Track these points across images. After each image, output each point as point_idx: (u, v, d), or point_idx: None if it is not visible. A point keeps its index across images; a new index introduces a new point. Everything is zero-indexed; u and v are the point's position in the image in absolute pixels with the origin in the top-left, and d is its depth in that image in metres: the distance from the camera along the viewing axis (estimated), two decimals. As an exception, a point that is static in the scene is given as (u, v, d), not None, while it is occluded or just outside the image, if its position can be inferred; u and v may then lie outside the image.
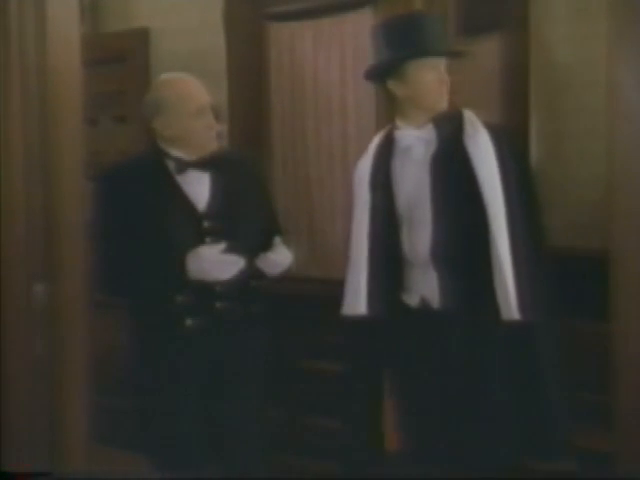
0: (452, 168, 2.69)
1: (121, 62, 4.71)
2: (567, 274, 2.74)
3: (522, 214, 2.65)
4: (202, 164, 2.90)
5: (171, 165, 2.91)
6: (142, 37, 4.67)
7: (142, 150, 3.16)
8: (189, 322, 2.86)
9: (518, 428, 2.66)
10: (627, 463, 2.62)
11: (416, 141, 2.75)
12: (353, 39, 3.95)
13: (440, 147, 2.72)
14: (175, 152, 2.91)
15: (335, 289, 2.99)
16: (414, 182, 2.75)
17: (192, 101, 2.88)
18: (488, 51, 3.77)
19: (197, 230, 2.86)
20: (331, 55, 4.05)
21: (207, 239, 2.85)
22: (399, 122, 2.81)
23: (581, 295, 2.73)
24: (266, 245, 2.95)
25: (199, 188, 2.90)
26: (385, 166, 2.82)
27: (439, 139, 2.72)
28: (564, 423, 2.68)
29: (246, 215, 2.93)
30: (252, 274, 2.91)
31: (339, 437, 3.07)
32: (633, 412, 2.62)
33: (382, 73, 2.76)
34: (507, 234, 2.60)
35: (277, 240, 2.95)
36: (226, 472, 2.91)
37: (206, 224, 2.88)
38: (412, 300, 2.78)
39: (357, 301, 2.78)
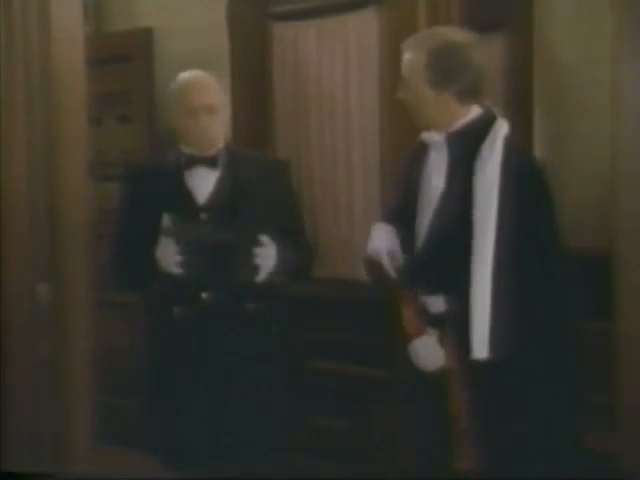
0: (456, 186, 2.61)
1: (125, 62, 4.71)
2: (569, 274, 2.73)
3: (528, 249, 2.56)
4: (213, 162, 2.94)
5: (181, 161, 2.95)
6: (146, 37, 4.67)
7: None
8: (176, 310, 2.91)
9: None
10: (629, 463, 2.62)
11: (436, 144, 2.69)
12: (357, 39, 3.95)
13: (451, 163, 2.64)
14: (185, 148, 2.96)
15: (338, 289, 2.99)
16: (433, 185, 2.69)
17: (185, 99, 2.92)
18: (492, 51, 3.76)
19: (193, 222, 2.90)
20: (335, 55, 4.04)
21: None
22: None
23: (584, 295, 2.71)
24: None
25: (203, 183, 2.95)
26: (420, 160, 2.74)
27: (450, 155, 2.64)
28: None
29: (249, 213, 2.93)
30: (244, 270, 2.89)
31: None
32: (636, 412, 2.62)
33: None
34: (492, 264, 2.47)
35: (264, 239, 2.88)
36: (223, 471, 2.91)
37: (203, 216, 2.91)
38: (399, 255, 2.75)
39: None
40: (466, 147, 2.60)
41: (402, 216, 2.74)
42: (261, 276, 2.88)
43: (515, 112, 3.74)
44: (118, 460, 3.67)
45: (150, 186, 2.96)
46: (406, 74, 2.66)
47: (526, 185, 2.55)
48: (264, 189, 2.98)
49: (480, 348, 2.49)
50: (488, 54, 3.63)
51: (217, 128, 2.95)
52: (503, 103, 3.75)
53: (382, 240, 2.72)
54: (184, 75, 3.00)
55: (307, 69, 4.13)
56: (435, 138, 2.66)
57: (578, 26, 3.63)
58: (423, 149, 2.73)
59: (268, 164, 3.14)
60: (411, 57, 2.63)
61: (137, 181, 3.03)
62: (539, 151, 3.71)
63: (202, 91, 2.93)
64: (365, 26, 3.89)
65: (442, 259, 2.61)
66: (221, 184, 2.95)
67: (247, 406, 2.93)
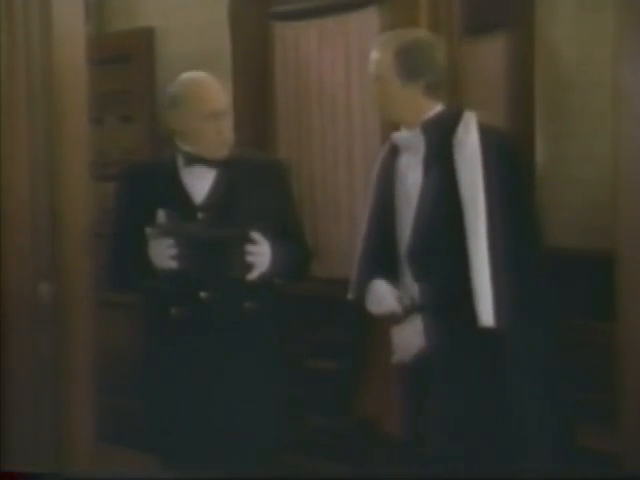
0: (437, 170, 2.68)
1: (126, 61, 4.71)
2: (571, 274, 2.73)
3: (512, 218, 2.62)
4: (211, 162, 2.93)
5: (179, 159, 2.94)
6: (147, 36, 4.68)
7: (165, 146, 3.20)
8: (173, 311, 2.90)
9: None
10: (629, 463, 2.62)
11: (408, 142, 2.77)
12: (358, 38, 3.95)
13: (429, 149, 2.72)
14: (185, 147, 2.94)
15: (339, 289, 2.99)
16: (410, 182, 2.75)
17: (205, 103, 2.89)
18: (493, 51, 3.77)
19: (190, 221, 2.90)
20: (336, 54, 4.05)
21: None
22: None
23: (585, 295, 2.72)
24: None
25: (201, 182, 2.94)
26: (391, 163, 2.83)
27: (427, 142, 2.72)
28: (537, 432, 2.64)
29: (246, 212, 2.93)
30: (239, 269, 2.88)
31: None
32: (636, 412, 2.62)
33: None
34: (486, 238, 2.56)
35: (257, 237, 2.85)
36: (223, 471, 2.91)
37: (200, 215, 2.91)
38: (404, 298, 2.78)
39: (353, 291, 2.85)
40: (442, 132, 2.70)
41: (383, 239, 2.81)
42: (254, 274, 2.87)
43: (516, 112, 3.75)
44: (118, 460, 3.68)
45: (147, 185, 2.95)
46: (375, 71, 2.76)
47: (507, 158, 2.65)
48: (262, 189, 2.98)
49: (487, 316, 2.54)
50: (489, 55, 3.65)
51: (230, 130, 2.96)
52: (504, 103, 3.76)
53: (386, 298, 2.79)
54: (194, 77, 2.95)
55: (308, 69, 4.14)
56: (405, 134, 2.76)
57: (579, 27, 3.63)
58: (391, 154, 2.82)
59: (267, 164, 3.13)
60: (380, 55, 2.74)
61: (133, 180, 3.01)
62: (540, 151, 3.72)
63: (219, 94, 2.92)
64: (366, 26, 3.89)
65: (431, 246, 2.67)
66: (219, 184, 2.95)
67: (246, 405, 2.93)
